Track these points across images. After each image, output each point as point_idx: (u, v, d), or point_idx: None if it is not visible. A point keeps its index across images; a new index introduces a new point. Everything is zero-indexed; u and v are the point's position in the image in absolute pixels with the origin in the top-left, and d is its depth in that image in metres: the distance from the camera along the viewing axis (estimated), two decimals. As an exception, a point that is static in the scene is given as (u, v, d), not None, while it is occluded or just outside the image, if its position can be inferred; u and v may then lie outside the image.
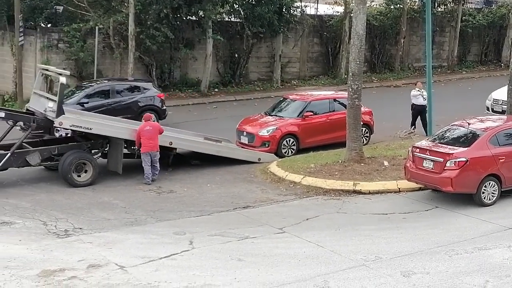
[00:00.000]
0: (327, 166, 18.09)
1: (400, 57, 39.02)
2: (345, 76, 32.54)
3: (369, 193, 16.33)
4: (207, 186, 17.52)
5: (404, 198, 16.07)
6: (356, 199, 16.06)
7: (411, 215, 14.78)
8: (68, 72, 19.25)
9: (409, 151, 16.19)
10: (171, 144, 18.75)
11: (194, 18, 32.22)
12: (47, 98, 18.40)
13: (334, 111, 21.68)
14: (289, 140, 20.68)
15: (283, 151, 20.49)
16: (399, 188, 16.45)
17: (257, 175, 18.43)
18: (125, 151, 18.47)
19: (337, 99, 22.19)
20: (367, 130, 21.56)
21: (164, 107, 25.52)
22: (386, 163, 18.09)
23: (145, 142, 17.68)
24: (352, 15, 20.67)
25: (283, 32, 34.77)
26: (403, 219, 14.46)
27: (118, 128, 18.54)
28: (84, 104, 23.11)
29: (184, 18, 31.76)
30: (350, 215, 14.92)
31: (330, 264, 11.52)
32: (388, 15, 38.35)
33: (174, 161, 19.27)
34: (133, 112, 23.88)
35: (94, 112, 21.10)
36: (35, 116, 17.85)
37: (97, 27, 29.18)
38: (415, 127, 22.78)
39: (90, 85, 24.85)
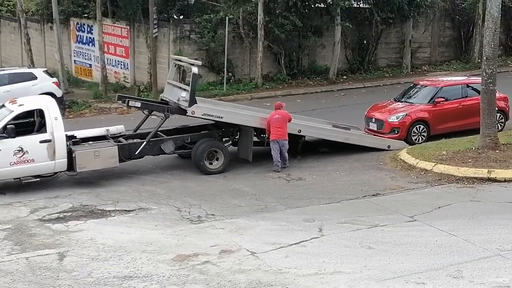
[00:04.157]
0: (460, 153, 17.60)
1: (538, 39, 37.32)
2: (479, 61, 31.56)
3: (505, 181, 15.72)
4: (336, 173, 17.48)
5: (543, 186, 15.40)
6: (491, 187, 15.52)
7: (550, 204, 14.14)
8: (199, 62, 19.71)
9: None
10: (300, 132, 18.84)
11: (322, 5, 32.16)
12: (180, 88, 18.90)
13: (467, 97, 21.04)
14: (419, 127, 20.27)
15: (413, 138, 20.10)
16: (537, 176, 15.78)
17: (386, 162, 18.21)
18: (255, 139, 18.73)
19: (470, 84, 21.50)
20: (502, 116, 20.74)
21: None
22: (523, 150, 17.40)
23: (274, 130, 17.84)
24: (486, -3, 19.94)
25: (413, 16, 34.09)
26: (541, 208, 13.87)
27: (248, 116, 18.82)
28: None
29: (312, 6, 31.76)
30: (484, 203, 14.45)
31: (463, 254, 11.22)
32: (525, -5, 36.71)
33: (303, 148, 19.36)
34: None
35: None
36: (169, 106, 18.41)
37: (227, 18, 29.72)
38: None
39: None
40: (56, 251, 12.13)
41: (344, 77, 32.94)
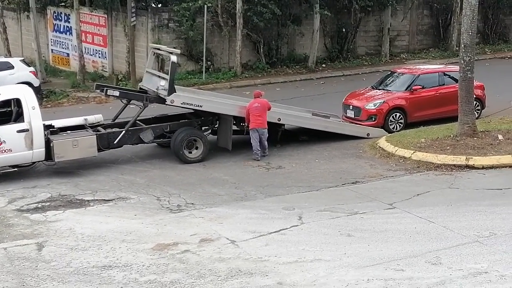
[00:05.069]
0: (438, 140, 17.71)
1: (515, 27, 37.58)
2: (457, 48, 31.72)
3: (483, 168, 15.86)
4: (316, 161, 17.51)
5: (520, 173, 15.54)
6: (469, 174, 15.64)
7: (528, 190, 14.26)
8: (178, 51, 19.60)
9: (525, 124, 15.60)
10: (280, 120, 18.85)
11: (301, -7, 32.10)
12: (159, 76, 18.81)
13: (443, 85, 21.17)
14: (396, 115, 20.34)
15: (391, 126, 20.17)
16: (515, 163, 15.91)
17: (365, 150, 18.27)
18: (235, 127, 18.71)
19: (446, 72, 21.65)
20: (478, 104, 20.87)
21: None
22: (500, 136, 17.51)
23: (253, 118, 17.83)
24: (463, -16, 20.02)
25: (391, 4, 34.15)
26: (519, 195, 13.99)
27: (227, 105, 18.78)
28: None
29: (291, -6, 31.71)
30: (462, 190, 14.56)
31: (442, 240, 11.30)
32: (502, -17, 36.95)
33: (283, 137, 19.37)
34: None
35: None
36: (147, 95, 18.32)
37: (205, 6, 29.55)
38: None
39: None
40: (34, 241, 12.06)
41: (323, 65, 32.95)
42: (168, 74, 18.06)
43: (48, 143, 16.54)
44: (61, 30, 35.26)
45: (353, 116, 20.64)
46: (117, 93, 18.48)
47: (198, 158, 17.85)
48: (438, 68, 22.86)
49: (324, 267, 10.34)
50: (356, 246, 11.22)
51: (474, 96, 18.77)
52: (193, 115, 18.96)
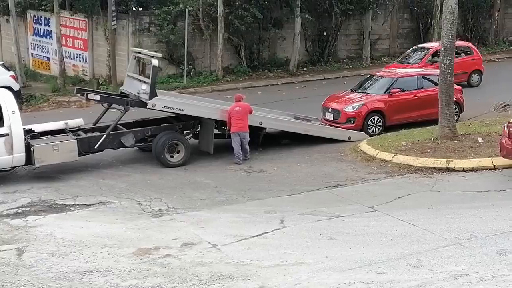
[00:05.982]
0: (419, 143, 17.80)
1: (495, 30, 37.87)
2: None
3: (463, 170, 15.95)
4: (297, 165, 17.54)
5: (500, 175, 15.63)
6: (449, 177, 15.73)
7: (508, 192, 14.32)
8: (159, 55, 19.55)
9: (504, 126, 15.66)
10: (261, 124, 18.86)
11: (282, -3, 32.17)
12: (140, 80, 18.75)
13: (422, 88, 21.29)
14: (375, 118, 20.42)
15: (369, 129, 20.25)
16: (495, 165, 15.98)
17: (347, 153, 18.32)
18: (216, 131, 18.69)
19: (425, 76, 21.79)
20: (456, 107, 20.98)
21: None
22: (480, 139, 17.64)
23: (235, 122, 17.83)
24: (443, -12, 20.16)
25: (372, 8, 34.33)
26: (498, 197, 14.07)
27: (209, 109, 18.77)
28: None
29: (272, -2, 31.76)
30: (443, 193, 14.64)
31: (423, 243, 11.35)
32: (481, -13, 37.23)
33: (264, 140, 19.37)
34: None
35: None
36: (129, 99, 18.25)
37: (186, 10, 29.55)
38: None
39: None
40: (14, 247, 11.95)
41: (305, 69, 33.02)
42: (149, 78, 17.99)
43: (28, 147, 16.42)
44: (41, 34, 35.08)
45: (332, 119, 20.71)
46: (98, 97, 18.41)
47: (179, 162, 17.81)
48: (417, 71, 22.99)
49: (306, 271, 10.35)
50: (338, 249, 11.25)
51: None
52: (175, 119, 18.93)
